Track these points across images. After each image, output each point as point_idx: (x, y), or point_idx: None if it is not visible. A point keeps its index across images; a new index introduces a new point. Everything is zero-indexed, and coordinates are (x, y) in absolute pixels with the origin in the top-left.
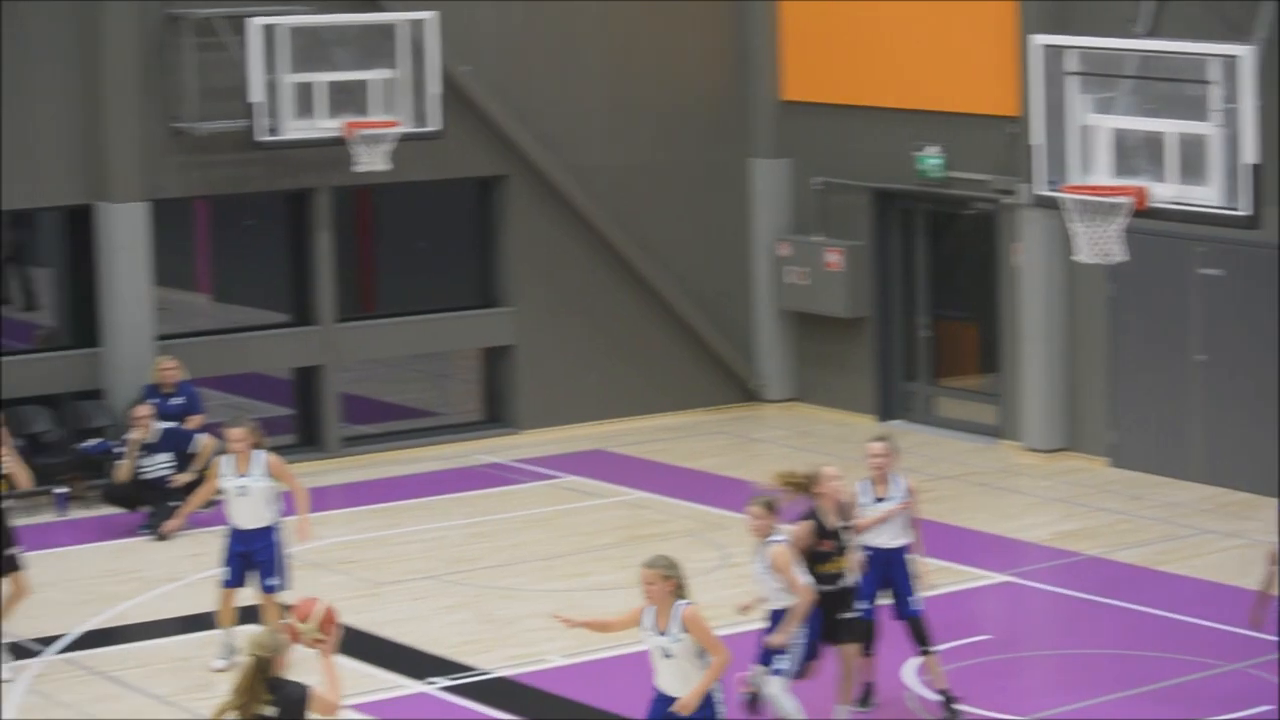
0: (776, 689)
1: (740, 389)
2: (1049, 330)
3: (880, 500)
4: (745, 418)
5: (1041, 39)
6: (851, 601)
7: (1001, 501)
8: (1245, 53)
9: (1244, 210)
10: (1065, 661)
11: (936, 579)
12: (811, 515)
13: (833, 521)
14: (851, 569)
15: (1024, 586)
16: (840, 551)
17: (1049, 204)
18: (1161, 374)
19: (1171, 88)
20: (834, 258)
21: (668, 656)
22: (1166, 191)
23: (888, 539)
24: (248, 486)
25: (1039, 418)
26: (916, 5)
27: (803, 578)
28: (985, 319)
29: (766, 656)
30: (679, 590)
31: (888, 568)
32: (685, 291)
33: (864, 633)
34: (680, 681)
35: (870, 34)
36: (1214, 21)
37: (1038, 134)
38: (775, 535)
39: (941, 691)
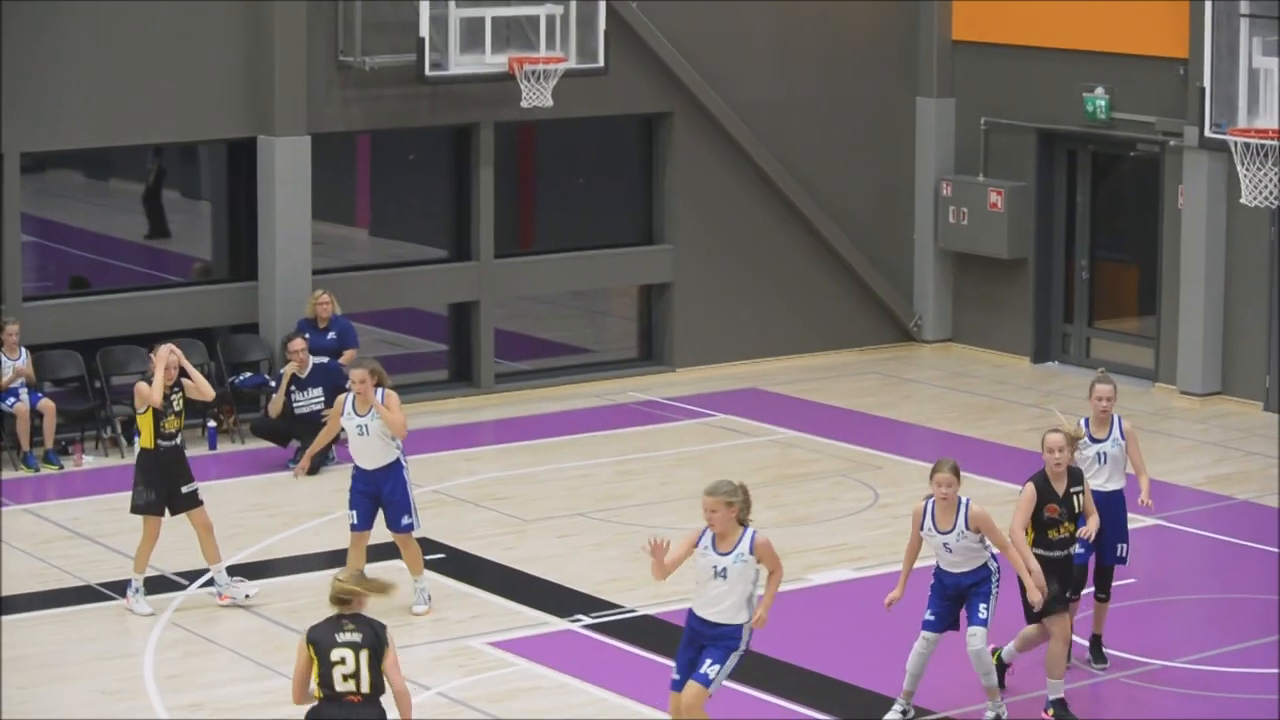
0: (981, 644)
1: (897, 328)
2: (1209, 274)
3: (1098, 441)
4: (900, 358)
5: None
6: (1076, 577)
7: (1155, 445)
8: None
9: None
10: (1213, 606)
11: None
12: (1042, 477)
13: (1061, 487)
14: (1084, 534)
15: (1175, 530)
16: (1070, 517)
17: (1215, 146)
18: None
19: None
20: (996, 198)
21: (722, 577)
22: None
23: (1103, 482)
24: (366, 425)
25: (1195, 361)
26: None
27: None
28: (1145, 262)
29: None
30: (743, 514)
31: (1103, 512)
32: (845, 230)
33: (1079, 585)
34: (721, 605)
35: None
36: None
37: (1206, 76)
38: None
39: (1095, 637)
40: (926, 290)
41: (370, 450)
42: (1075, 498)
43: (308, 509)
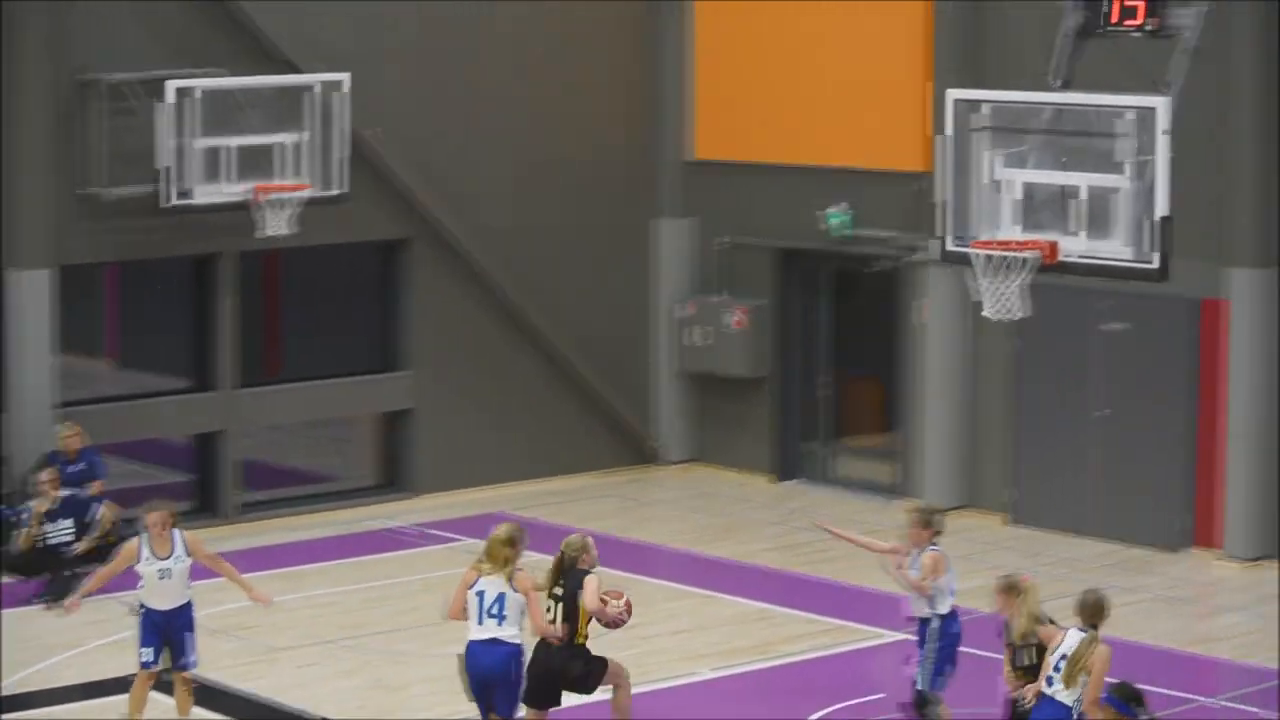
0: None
1: (638, 451)
2: (950, 387)
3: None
4: (641, 479)
5: (953, 93)
6: None
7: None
8: (1160, 104)
9: (1153, 263)
10: None
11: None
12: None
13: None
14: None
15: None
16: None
17: (955, 260)
18: (1063, 430)
19: (1083, 141)
20: (737, 317)
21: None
22: (1075, 245)
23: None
24: (169, 569)
25: (938, 475)
26: (825, 62)
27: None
28: (887, 377)
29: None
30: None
31: None
32: (585, 353)
33: None
34: None
35: (779, 92)
36: (1128, 73)
37: (945, 190)
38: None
39: None
40: (667, 411)
41: (170, 592)
42: None
43: (59, 641)
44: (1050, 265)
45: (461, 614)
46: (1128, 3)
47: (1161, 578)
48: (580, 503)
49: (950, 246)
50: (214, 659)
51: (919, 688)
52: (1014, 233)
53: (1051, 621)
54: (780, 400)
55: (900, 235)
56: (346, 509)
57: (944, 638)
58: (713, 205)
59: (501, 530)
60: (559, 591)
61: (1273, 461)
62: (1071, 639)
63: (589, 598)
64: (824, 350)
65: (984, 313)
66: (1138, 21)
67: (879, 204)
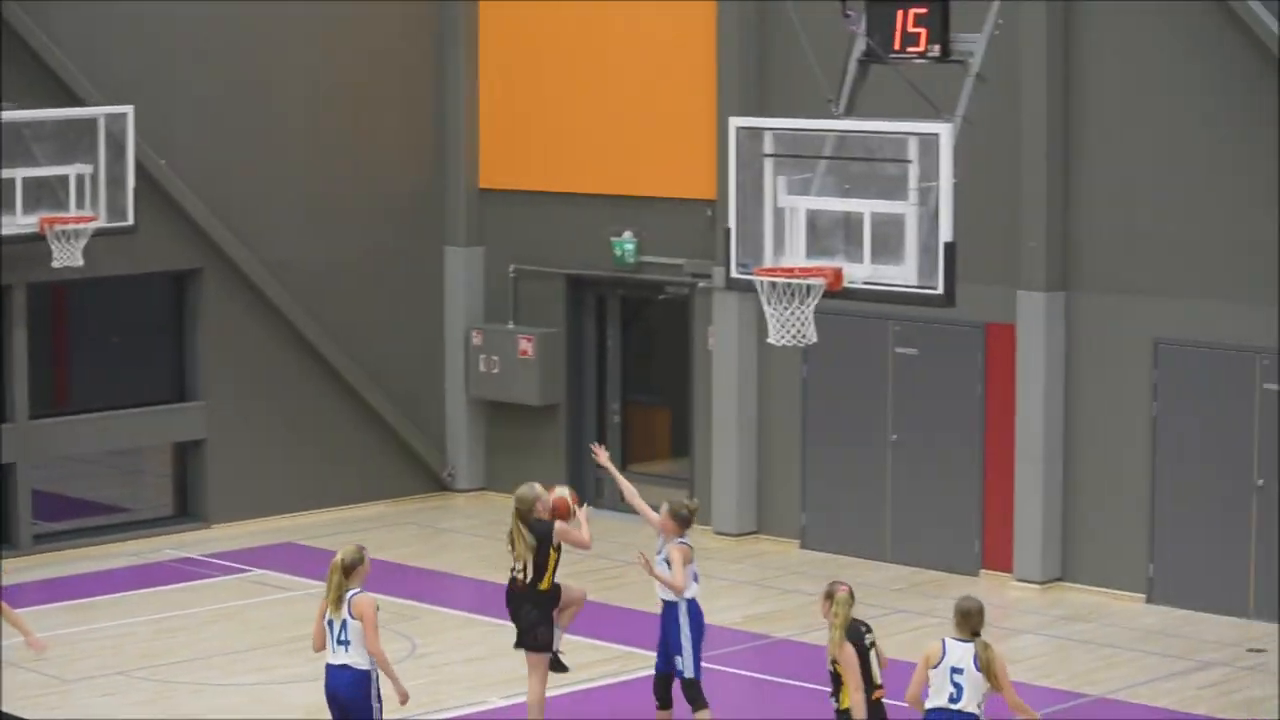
0: None
1: (432, 479)
2: (740, 414)
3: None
4: (436, 507)
5: (739, 121)
6: None
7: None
8: (943, 130)
9: (939, 289)
10: None
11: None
12: None
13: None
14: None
15: (715, 671)
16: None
17: (743, 287)
18: (854, 454)
19: (868, 167)
20: (526, 345)
21: None
22: (862, 271)
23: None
24: None
25: (730, 501)
26: (613, 90)
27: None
28: (677, 403)
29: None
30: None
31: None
32: (378, 382)
33: None
34: None
35: (567, 120)
36: (912, 100)
37: (733, 217)
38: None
39: None
40: (460, 439)
41: None
42: None
43: None
44: (835, 292)
45: (322, 643)
46: (910, 29)
47: (955, 601)
48: (376, 531)
49: (735, 274)
50: (9, 690)
51: (688, 676)
52: (798, 259)
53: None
54: (571, 427)
55: (689, 262)
56: (140, 539)
57: (694, 617)
58: (502, 233)
59: (336, 557)
60: (532, 541)
61: (1060, 484)
62: (957, 650)
63: (570, 536)
64: (615, 377)
65: (769, 339)
66: (921, 49)
67: (668, 231)
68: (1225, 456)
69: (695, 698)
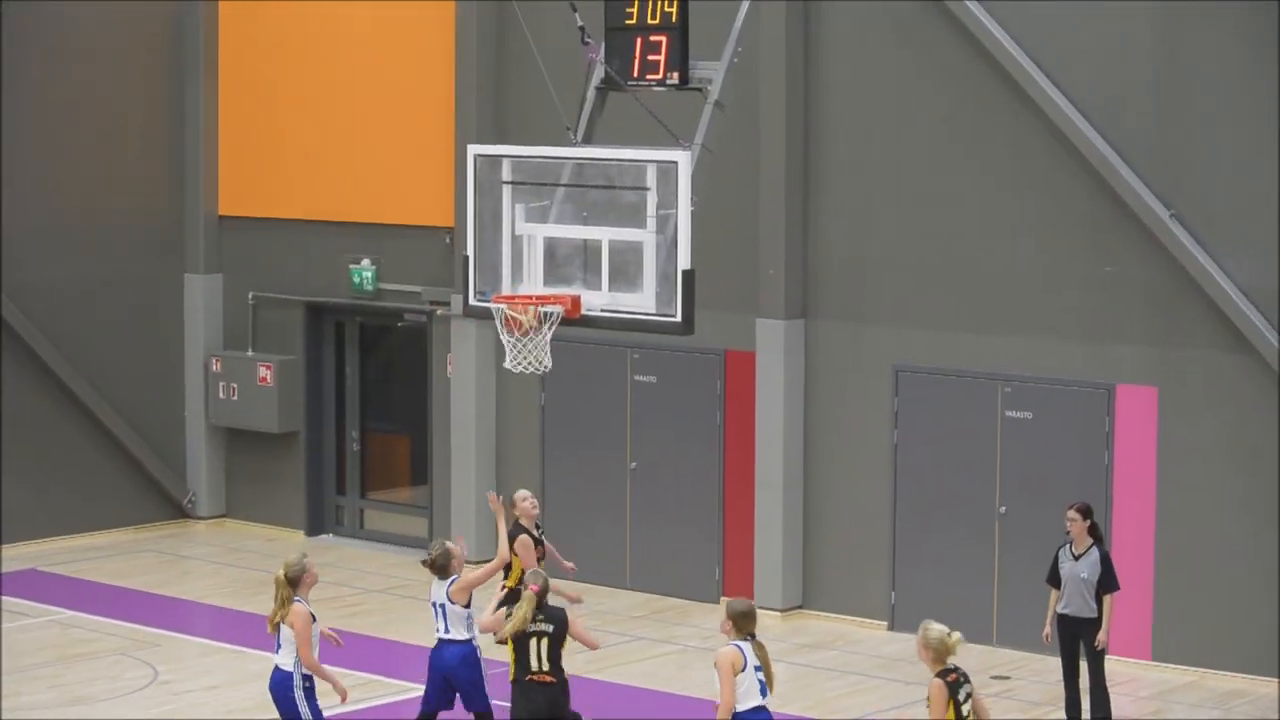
0: None
1: (171, 506)
2: (479, 441)
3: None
4: (176, 534)
5: (476, 148)
6: None
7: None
8: (681, 158)
9: (678, 316)
10: None
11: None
12: None
13: None
14: None
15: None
16: None
17: (481, 314)
18: (594, 482)
19: (607, 194)
20: (265, 372)
21: None
22: (600, 299)
23: None
24: None
25: (467, 528)
26: (353, 118)
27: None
28: (416, 431)
29: None
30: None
31: None
32: (118, 408)
33: None
34: None
35: (306, 147)
36: (651, 128)
37: (471, 244)
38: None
39: None
40: (199, 466)
41: None
42: None
43: None
44: (574, 319)
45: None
46: (650, 57)
47: (696, 629)
48: (117, 558)
49: (474, 301)
50: None
51: (483, 710)
52: (536, 287)
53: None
54: (310, 455)
55: (428, 290)
56: None
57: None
58: (242, 260)
59: (279, 571)
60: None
61: (801, 511)
62: (749, 649)
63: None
64: (353, 404)
65: (506, 365)
66: (659, 76)
67: (407, 258)
68: (968, 483)
69: None
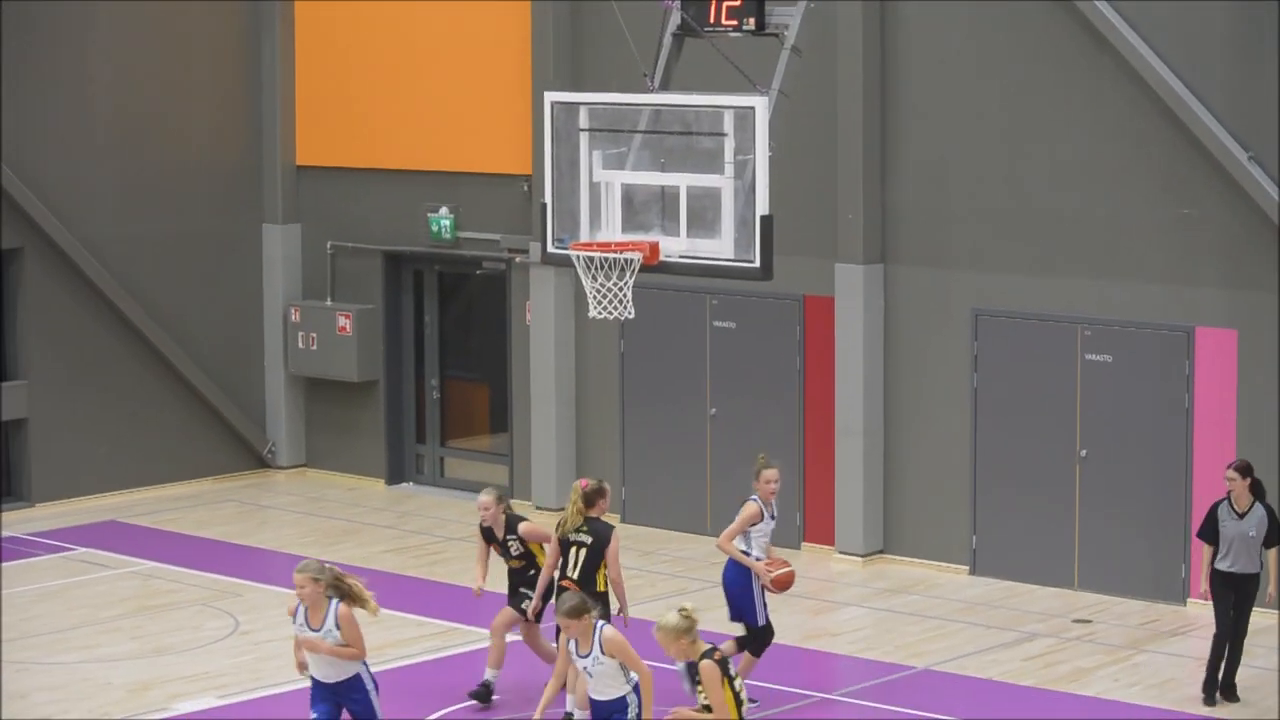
0: None
1: (253, 456)
2: (559, 389)
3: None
4: (256, 484)
5: (553, 96)
6: None
7: None
8: (759, 104)
9: (756, 262)
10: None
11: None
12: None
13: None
14: None
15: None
16: None
17: (559, 262)
18: (673, 428)
19: (684, 141)
20: (344, 322)
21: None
22: (678, 245)
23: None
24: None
25: (549, 476)
26: (429, 67)
27: None
28: (496, 379)
29: None
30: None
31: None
32: (198, 360)
33: None
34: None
35: (382, 97)
36: (728, 73)
37: (549, 192)
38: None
39: None
40: (279, 416)
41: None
42: None
43: None
44: (652, 266)
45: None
46: (726, 3)
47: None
48: (198, 509)
49: (552, 249)
50: None
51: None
52: (614, 234)
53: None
54: (390, 404)
55: (506, 238)
56: None
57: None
58: (319, 210)
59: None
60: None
61: (881, 457)
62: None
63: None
64: (433, 353)
65: (590, 314)
66: (735, 22)
67: (485, 207)
68: (1047, 428)
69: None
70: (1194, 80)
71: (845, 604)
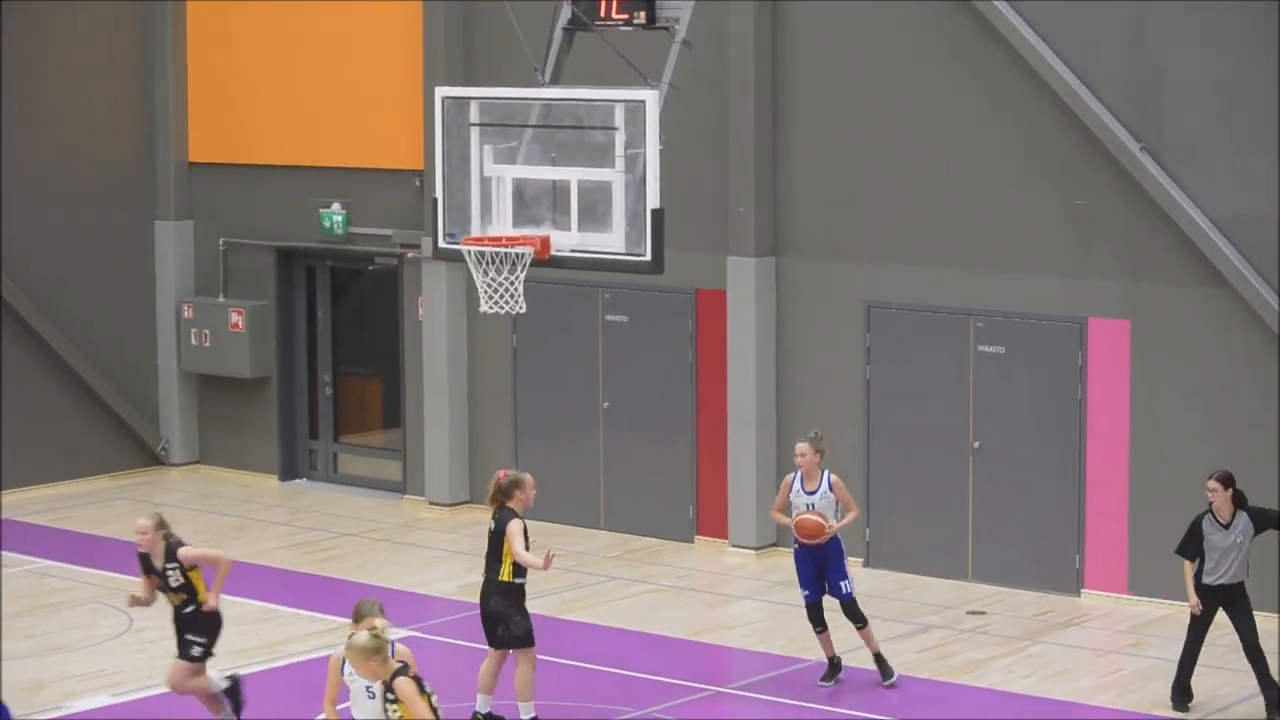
0: None
1: (146, 453)
2: (452, 384)
3: (810, 493)
4: (150, 482)
5: (444, 91)
6: None
7: (405, 557)
8: (649, 97)
9: (648, 256)
10: (469, 713)
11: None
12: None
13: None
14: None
15: (429, 640)
16: None
17: (451, 257)
18: (566, 423)
19: (575, 135)
20: (236, 318)
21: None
22: (569, 240)
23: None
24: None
25: (442, 471)
26: (320, 63)
27: None
28: (388, 375)
29: None
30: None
31: (827, 551)
32: (91, 357)
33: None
34: None
35: (274, 93)
36: (619, 67)
37: (440, 187)
38: None
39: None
40: (172, 413)
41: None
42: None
43: None
44: (544, 260)
45: None
46: None
47: (670, 568)
48: (91, 506)
49: (443, 244)
50: None
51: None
52: (505, 228)
53: None
54: (282, 400)
55: (398, 233)
56: None
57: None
58: (212, 207)
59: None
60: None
61: (774, 450)
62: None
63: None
64: (325, 349)
65: (482, 309)
66: (626, 16)
67: (377, 202)
68: (941, 419)
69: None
70: (1086, 72)
71: (739, 597)
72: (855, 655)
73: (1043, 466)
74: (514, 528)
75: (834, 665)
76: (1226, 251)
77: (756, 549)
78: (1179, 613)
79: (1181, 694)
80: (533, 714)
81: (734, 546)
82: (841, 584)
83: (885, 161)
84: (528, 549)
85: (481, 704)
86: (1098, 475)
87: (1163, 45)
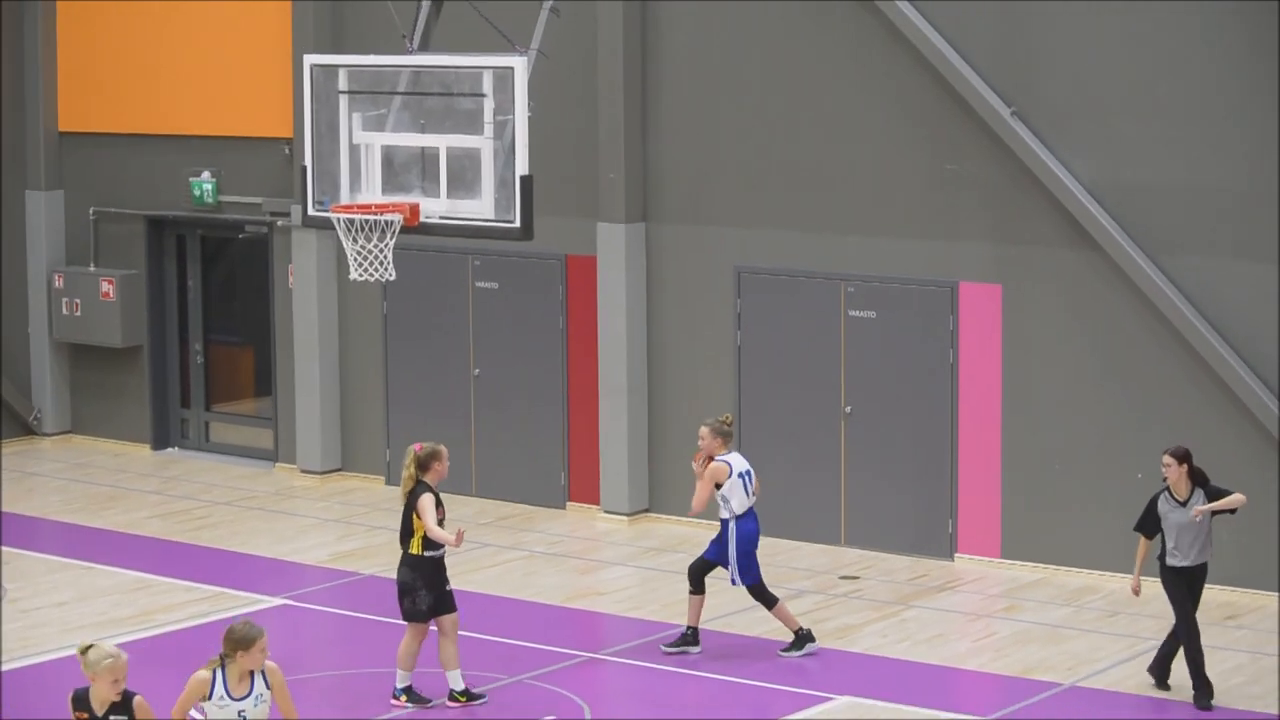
0: None
1: (18, 423)
2: (323, 352)
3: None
4: (21, 452)
5: (313, 58)
6: None
7: (278, 525)
8: (518, 64)
9: (517, 222)
10: (343, 681)
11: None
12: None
13: None
14: None
15: (302, 609)
16: None
17: (320, 224)
18: (437, 389)
19: (444, 102)
20: (107, 287)
21: None
22: (439, 207)
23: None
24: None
25: (314, 439)
26: (189, 31)
27: None
28: (259, 343)
29: None
30: None
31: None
32: None
33: None
34: None
35: (144, 62)
36: (488, 34)
37: (309, 155)
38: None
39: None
40: (44, 383)
41: None
42: None
43: None
44: (413, 227)
45: None
46: None
47: (543, 534)
48: None
49: (313, 211)
50: None
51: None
52: (375, 196)
53: None
54: (154, 369)
55: (268, 201)
56: None
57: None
58: (82, 176)
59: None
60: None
61: (645, 416)
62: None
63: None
64: (196, 318)
65: (351, 276)
66: None
67: (246, 170)
68: (812, 385)
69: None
70: (956, 36)
71: (611, 563)
72: (731, 620)
73: (915, 431)
74: (425, 502)
75: (690, 635)
76: (1096, 214)
77: (628, 515)
78: (1052, 576)
79: (1161, 672)
80: (461, 684)
81: (606, 512)
82: (735, 577)
83: (755, 127)
84: (441, 523)
85: (400, 679)
86: (970, 439)
87: (1032, 9)
